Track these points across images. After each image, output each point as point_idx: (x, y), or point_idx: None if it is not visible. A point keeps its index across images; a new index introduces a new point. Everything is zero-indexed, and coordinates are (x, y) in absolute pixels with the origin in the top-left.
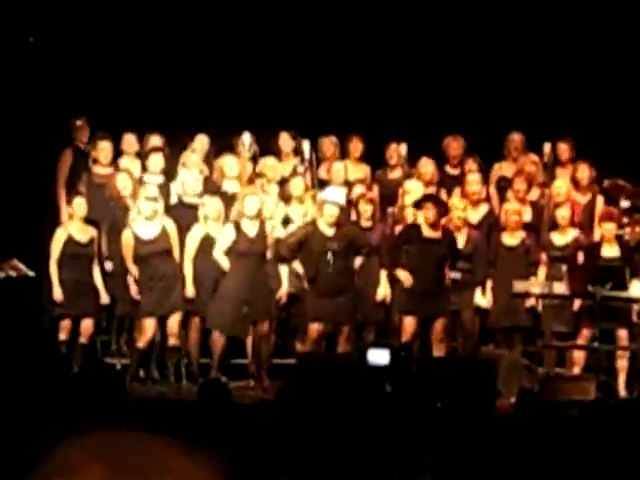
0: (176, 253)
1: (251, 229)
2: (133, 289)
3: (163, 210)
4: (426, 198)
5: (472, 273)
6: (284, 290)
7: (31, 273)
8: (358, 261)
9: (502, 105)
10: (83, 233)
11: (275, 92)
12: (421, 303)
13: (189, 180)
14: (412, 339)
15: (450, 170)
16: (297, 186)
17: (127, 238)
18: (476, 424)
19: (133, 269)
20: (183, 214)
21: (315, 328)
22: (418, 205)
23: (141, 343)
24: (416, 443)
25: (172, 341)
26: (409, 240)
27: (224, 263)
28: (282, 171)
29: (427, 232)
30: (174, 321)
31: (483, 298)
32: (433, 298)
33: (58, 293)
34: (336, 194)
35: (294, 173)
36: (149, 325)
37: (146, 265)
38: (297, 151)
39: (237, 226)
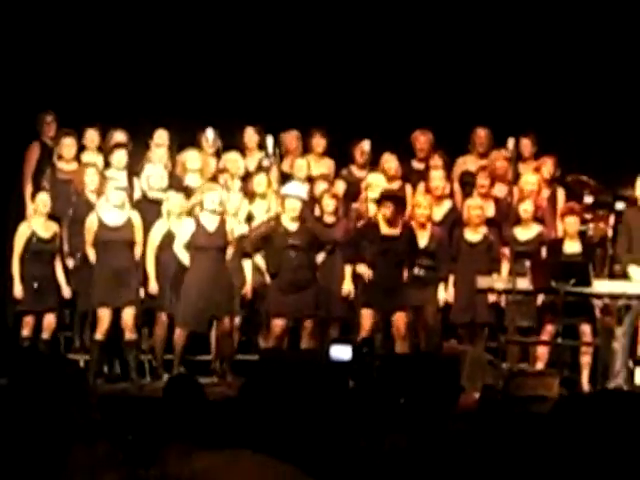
0: (138, 247)
1: (210, 224)
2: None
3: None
4: (384, 196)
5: (435, 270)
6: (249, 286)
7: None
8: (320, 257)
9: (468, 100)
10: (46, 229)
11: (239, 87)
12: (379, 297)
13: (154, 175)
14: (372, 334)
15: (416, 164)
16: (260, 183)
17: (91, 221)
18: (439, 419)
19: (91, 254)
20: (147, 209)
21: (277, 324)
22: (379, 201)
23: (98, 334)
24: (379, 439)
25: (128, 335)
26: (367, 238)
27: (183, 257)
28: (247, 166)
29: (385, 229)
30: (129, 315)
31: (445, 293)
32: (392, 293)
33: (19, 290)
34: (297, 189)
35: (259, 168)
36: (103, 315)
37: (105, 252)
38: (262, 146)
39: (197, 220)
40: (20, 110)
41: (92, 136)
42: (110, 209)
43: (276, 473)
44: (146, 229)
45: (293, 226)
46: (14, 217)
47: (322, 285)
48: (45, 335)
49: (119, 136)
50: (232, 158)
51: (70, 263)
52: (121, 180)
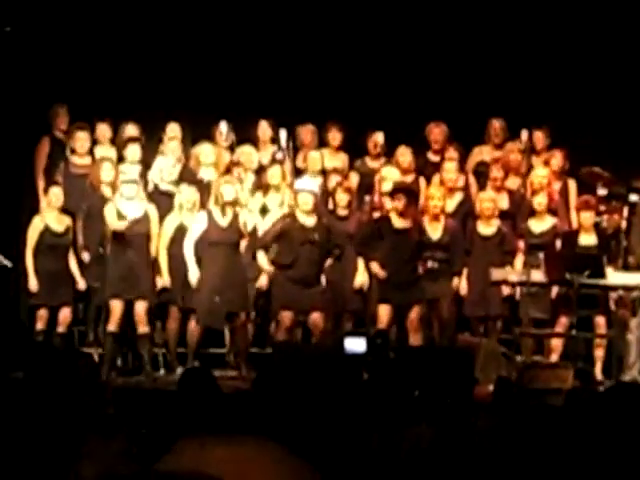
0: (154, 241)
1: (223, 219)
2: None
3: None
4: (396, 189)
5: (449, 262)
6: (264, 280)
7: (8, 263)
8: (328, 261)
9: (483, 92)
10: (59, 223)
11: (253, 81)
12: (395, 292)
13: (166, 167)
14: (388, 327)
15: (431, 157)
16: (274, 175)
17: (110, 212)
18: (454, 412)
19: (109, 245)
20: (159, 202)
21: (286, 316)
22: (391, 194)
23: (111, 326)
24: (394, 431)
25: (142, 329)
26: (380, 232)
27: (190, 257)
28: (261, 159)
29: (398, 223)
30: (141, 308)
31: (460, 286)
32: (407, 287)
33: (33, 283)
34: (310, 184)
35: (273, 161)
36: (116, 306)
37: (121, 245)
38: (275, 139)
39: (209, 215)
40: (32, 104)
41: (104, 130)
42: (125, 202)
43: (293, 467)
44: (159, 221)
45: (310, 221)
46: (27, 211)
47: (335, 278)
48: (60, 329)
49: (131, 130)
50: (246, 151)
51: (85, 257)
52: (130, 173)
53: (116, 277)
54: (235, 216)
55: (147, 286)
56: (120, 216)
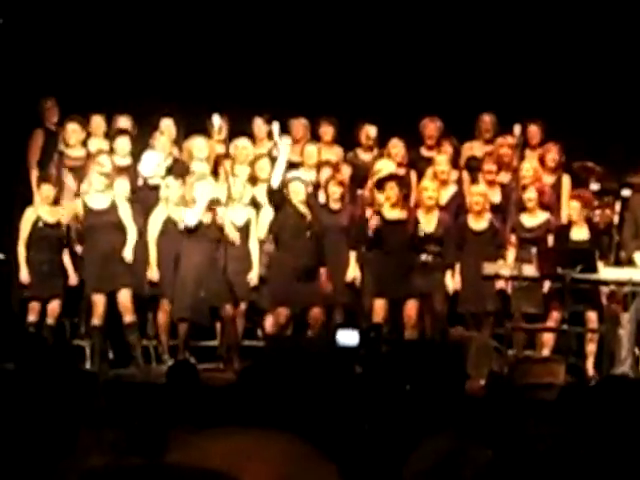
0: (129, 228)
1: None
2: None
3: (129, 192)
4: (388, 177)
5: (442, 256)
6: (255, 272)
7: (0, 255)
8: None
9: (475, 87)
10: (52, 215)
11: (247, 74)
12: (390, 286)
13: (156, 161)
14: (384, 321)
15: (425, 152)
16: (263, 168)
17: (76, 207)
18: (445, 406)
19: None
20: (148, 196)
21: (282, 312)
22: (380, 185)
23: (95, 320)
24: (385, 425)
25: (128, 318)
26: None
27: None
28: (257, 154)
29: (390, 213)
30: (125, 297)
31: (452, 282)
32: (402, 279)
33: (25, 275)
34: (302, 174)
35: (267, 155)
36: (98, 300)
37: (93, 237)
38: (271, 135)
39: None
40: (23, 96)
41: (98, 122)
42: (94, 194)
43: (304, 455)
44: (148, 215)
45: (306, 212)
46: (19, 204)
47: (328, 270)
48: (50, 321)
49: (123, 122)
50: (241, 145)
51: (78, 248)
52: (106, 166)
53: (93, 271)
54: (214, 213)
55: (126, 275)
56: (87, 210)
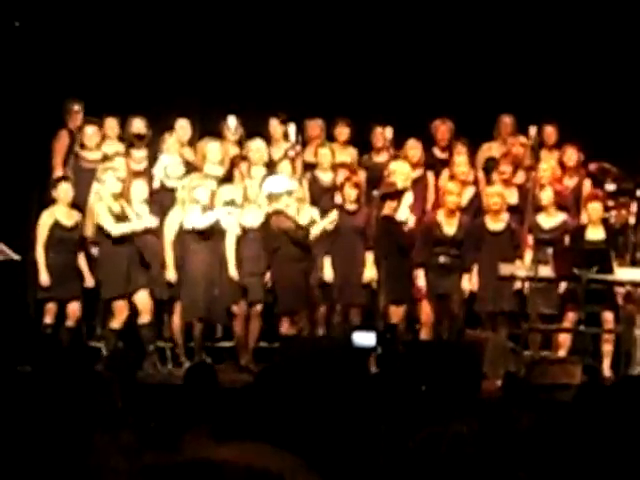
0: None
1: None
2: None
3: (147, 194)
4: (394, 193)
5: (461, 258)
6: (269, 275)
7: (16, 257)
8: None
9: (490, 88)
10: (69, 217)
11: (262, 75)
12: (405, 291)
13: (171, 164)
14: (400, 323)
15: (438, 153)
16: (283, 171)
17: (99, 211)
18: (462, 407)
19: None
20: (165, 198)
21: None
22: (384, 198)
23: (115, 324)
24: (402, 426)
25: (145, 318)
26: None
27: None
28: (272, 155)
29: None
30: (143, 298)
31: (469, 283)
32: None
33: (45, 277)
34: (280, 183)
35: (284, 157)
36: (119, 306)
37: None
38: (287, 135)
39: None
40: (40, 99)
41: (112, 125)
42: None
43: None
44: (165, 217)
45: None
46: (36, 205)
47: (343, 272)
48: (69, 323)
49: (138, 123)
50: (256, 146)
51: (94, 251)
52: (121, 169)
53: (112, 278)
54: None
55: (144, 276)
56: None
